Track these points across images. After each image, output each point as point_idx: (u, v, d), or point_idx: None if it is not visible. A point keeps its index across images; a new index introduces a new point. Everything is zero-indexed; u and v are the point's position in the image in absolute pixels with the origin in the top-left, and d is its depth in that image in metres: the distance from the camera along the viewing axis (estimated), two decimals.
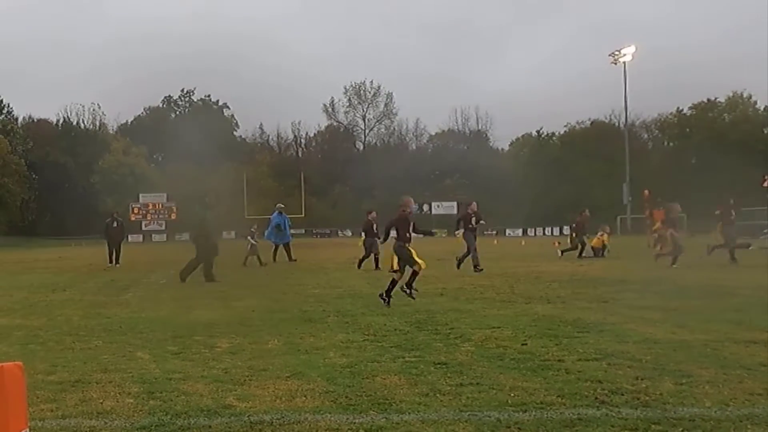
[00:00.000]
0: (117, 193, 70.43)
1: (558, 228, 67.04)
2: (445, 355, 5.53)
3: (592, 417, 3.75)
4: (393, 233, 9.37)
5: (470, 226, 15.77)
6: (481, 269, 14.70)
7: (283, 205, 21.53)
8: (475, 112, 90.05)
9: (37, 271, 19.28)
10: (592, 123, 78.10)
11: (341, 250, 28.30)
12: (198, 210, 14.50)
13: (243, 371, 5.06)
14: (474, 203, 16.80)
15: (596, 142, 72.66)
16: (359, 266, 16.61)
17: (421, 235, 10.10)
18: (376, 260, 16.35)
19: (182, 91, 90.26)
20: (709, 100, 71.74)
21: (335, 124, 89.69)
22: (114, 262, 19.49)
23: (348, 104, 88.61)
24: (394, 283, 9.15)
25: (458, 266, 15.42)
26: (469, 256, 15.31)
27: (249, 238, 19.61)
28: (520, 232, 69.22)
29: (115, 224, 20.50)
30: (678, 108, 73.99)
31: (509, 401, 4.11)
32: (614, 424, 3.64)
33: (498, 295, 10.11)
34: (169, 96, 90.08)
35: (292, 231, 21.95)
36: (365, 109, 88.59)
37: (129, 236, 66.13)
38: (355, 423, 3.73)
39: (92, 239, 42.96)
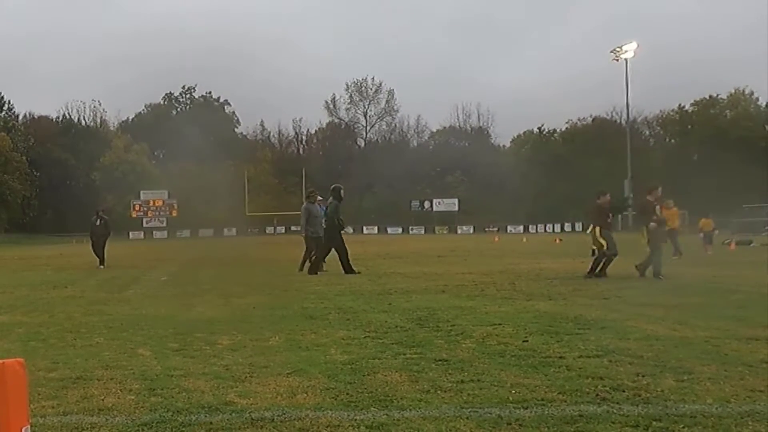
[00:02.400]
0: (118, 190, 70.56)
1: (559, 225, 67.15)
2: (446, 352, 5.52)
3: (593, 414, 3.75)
4: None
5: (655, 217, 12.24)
6: (662, 277, 11.45)
7: (320, 198, 19.98)
8: (476, 109, 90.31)
9: (38, 268, 19.30)
10: (593, 120, 78.10)
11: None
12: (332, 202, 14.61)
13: (244, 368, 5.05)
14: (659, 188, 12.57)
15: (598, 138, 72.67)
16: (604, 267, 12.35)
17: None
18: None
19: (183, 88, 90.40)
20: (710, 96, 71.72)
21: (336, 121, 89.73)
22: (99, 263, 18.19)
23: (349, 101, 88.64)
24: None
25: (642, 273, 11.96)
26: (653, 260, 11.87)
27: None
28: (521, 228, 69.32)
29: (98, 222, 19.19)
30: (680, 104, 74.06)
31: (510, 398, 4.10)
32: (615, 420, 3.63)
33: (499, 291, 10.10)
34: (170, 93, 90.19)
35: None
36: (366, 106, 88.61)
37: (130, 233, 66.39)
38: (356, 420, 3.72)
39: None
